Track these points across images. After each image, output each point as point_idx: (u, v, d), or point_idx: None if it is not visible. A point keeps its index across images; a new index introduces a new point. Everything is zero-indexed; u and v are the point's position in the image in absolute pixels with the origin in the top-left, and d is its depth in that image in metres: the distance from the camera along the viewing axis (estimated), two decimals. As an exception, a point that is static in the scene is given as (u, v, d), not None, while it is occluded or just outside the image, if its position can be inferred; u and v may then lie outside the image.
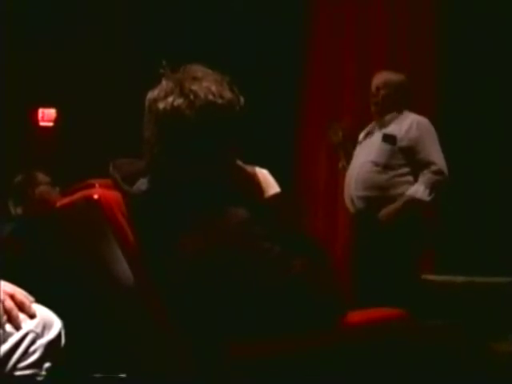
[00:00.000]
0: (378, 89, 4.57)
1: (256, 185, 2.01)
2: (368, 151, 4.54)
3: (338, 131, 4.72)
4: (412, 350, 1.95)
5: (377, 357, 1.91)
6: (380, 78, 4.61)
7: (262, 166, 2.07)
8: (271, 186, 2.02)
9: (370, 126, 4.72)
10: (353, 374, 1.88)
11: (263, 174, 2.04)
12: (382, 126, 4.56)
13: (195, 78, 1.92)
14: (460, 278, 5.49)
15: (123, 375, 1.96)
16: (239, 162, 2.02)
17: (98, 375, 1.98)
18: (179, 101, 1.88)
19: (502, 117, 5.99)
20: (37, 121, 6.93)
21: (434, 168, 4.41)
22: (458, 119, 6.10)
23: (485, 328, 4.37)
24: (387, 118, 4.56)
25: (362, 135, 4.74)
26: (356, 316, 1.98)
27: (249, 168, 2.03)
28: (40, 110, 6.91)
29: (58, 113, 6.92)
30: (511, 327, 4.51)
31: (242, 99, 1.96)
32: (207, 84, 1.91)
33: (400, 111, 4.56)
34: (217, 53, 4.97)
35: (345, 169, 4.73)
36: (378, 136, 4.54)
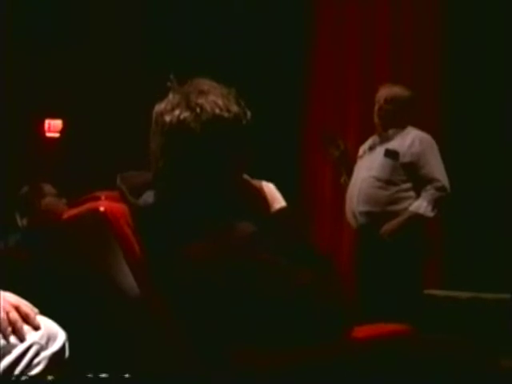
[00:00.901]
0: (386, 102, 4.54)
1: (262, 199, 2.01)
2: (370, 166, 4.53)
3: (338, 146, 4.70)
4: (417, 364, 1.94)
5: (382, 371, 1.90)
6: (389, 91, 4.57)
7: (268, 180, 2.08)
8: (277, 200, 2.02)
9: (371, 139, 4.70)
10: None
11: (269, 188, 2.04)
12: (385, 140, 4.55)
13: (202, 92, 1.92)
14: (466, 294, 5.47)
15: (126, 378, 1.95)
16: (246, 176, 2.02)
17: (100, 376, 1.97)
18: (185, 114, 1.89)
19: (507, 128, 5.97)
20: (43, 132, 6.94)
21: (437, 184, 4.41)
22: (461, 130, 6.08)
23: (491, 343, 4.35)
24: (390, 132, 4.55)
25: (362, 149, 4.72)
26: (361, 330, 1.98)
27: (255, 182, 2.04)
28: (46, 121, 6.93)
29: (65, 124, 6.93)
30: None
31: (248, 113, 1.96)
32: (213, 98, 1.92)
33: (404, 127, 4.56)
34: (220, 65, 4.98)
35: (346, 183, 4.72)
36: (380, 151, 4.53)
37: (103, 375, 1.71)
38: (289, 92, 6.63)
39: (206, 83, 1.96)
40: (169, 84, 1.96)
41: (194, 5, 6.69)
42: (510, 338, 4.60)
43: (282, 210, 2.01)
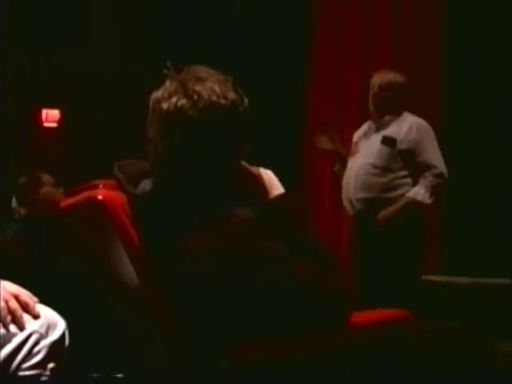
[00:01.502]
0: (380, 89, 4.52)
1: (260, 185, 2.01)
2: (367, 153, 4.52)
3: (328, 139, 4.69)
4: (416, 350, 1.95)
5: (380, 357, 1.91)
6: (383, 78, 4.56)
7: (267, 167, 2.07)
8: (275, 186, 2.02)
9: (366, 124, 4.69)
10: (357, 375, 1.87)
11: (267, 175, 2.04)
12: (381, 127, 4.53)
13: (199, 79, 1.92)
14: (464, 279, 5.49)
15: (125, 375, 1.96)
16: (244, 163, 2.01)
17: (98, 375, 1.98)
18: (183, 101, 1.88)
19: (506, 117, 5.98)
20: (41, 122, 6.94)
21: (435, 171, 4.41)
22: (461, 121, 6.10)
23: (489, 329, 4.36)
24: (386, 119, 4.53)
25: (357, 134, 4.71)
26: (360, 317, 1.98)
27: (253, 169, 2.03)
28: (44, 111, 6.92)
29: (62, 113, 6.93)
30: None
31: (246, 100, 1.96)
32: (211, 84, 1.91)
33: (400, 113, 4.55)
34: (218, 57, 4.96)
35: (340, 172, 4.71)
36: (376, 138, 4.52)
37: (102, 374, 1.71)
38: (289, 82, 6.63)
39: (203, 70, 1.96)
40: (165, 71, 1.95)
41: (194, 5, 6.68)
42: (509, 323, 4.61)
43: (280, 196, 2.00)
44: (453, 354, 1.97)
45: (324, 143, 4.72)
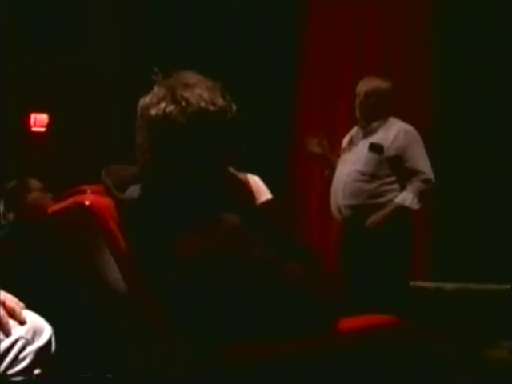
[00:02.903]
0: (366, 96, 4.54)
1: (248, 191, 2.01)
2: (354, 160, 4.54)
3: (318, 144, 4.71)
4: (403, 356, 1.95)
5: (369, 362, 1.91)
6: (369, 84, 4.59)
7: (256, 173, 2.07)
8: (263, 192, 2.02)
9: (353, 131, 4.70)
10: (344, 380, 1.88)
11: (254, 181, 2.04)
12: (368, 133, 4.55)
13: (187, 85, 1.92)
14: (452, 285, 5.50)
15: (116, 375, 1.95)
16: (231, 169, 2.02)
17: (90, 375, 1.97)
18: (171, 107, 1.88)
19: (498, 120, 6.00)
20: (29, 126, 6.92)
21: (422, 177, 4.43)
22: (452, 125, 6.11)
23: (478, 335, 4.37)
24: (374, 125, 4.56)
25: (345, 141, 4.72)
26: (348, 322, 1.98)
27: (240, 175, 2.03)
28: (32, 116, 6.90)
29: (50, 118, 6.91)
30: (504, 334, 4.52)
31: (234, 106, 1.96)
32: (199, 91, 1.91)
33: (386, 118, 4.57)
34: (212, 58, 4.97)
35: (330, 177, 4.72)
36: (364, 144, 4.53)
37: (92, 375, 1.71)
38: (279, 86, 6.64)
39: (191, 76, 1.96)
40: (153, 77, 1.95)
41: (194, 5, 6.68)
42: (497, 328, 4.62)
43: (267, 202, 2.01)
44: (441, 360, 1.98)
45: (313, 147, 4.73)
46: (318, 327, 1.88)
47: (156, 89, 1.93)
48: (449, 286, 5.50)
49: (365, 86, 4.58)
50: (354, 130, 4.69)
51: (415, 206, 4.43)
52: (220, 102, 1.93)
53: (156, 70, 1.96)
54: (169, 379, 1.86)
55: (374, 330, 2.02)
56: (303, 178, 6.70)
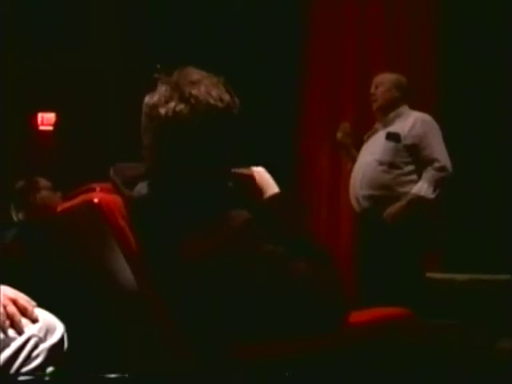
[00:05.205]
0: (376, 87, 4.62)
1: (255, 186, 2.00)
2: (372, 150, 4.56)
3: (348, 133, 4.73)
4: (416, 348, 1.94)
5: (381, 356, 1.90)
6: (377, 77, 4.67)
7: (263, 165, 2.06)
8: (270, 186, 2.01)
9: (374, 126, 4.73)
10: (357, 375, 1.87)
11: (260, 174, 2.03)
12: (386, 124, 4.58)
13: (193, 82, 1.91)
14: (464, 276, 5.49)
15: (123, 375, 1.95)
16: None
17: (98, 375, 1.97)
18: (181, 106, 1.87)
19: (505, 113, 5.99)
20: (36, 125, 6.92)
21: (437, 165, 4.42)
22: (459, 118, 6.10)
23: (489, 326, 4.36)
24: (391, 116, 4.58)
25: (367, 135, 4.75)
26: (360, 316, 1.98)
27: (245, 170, 2.02)
28: (39, 115, 6.91)
29: (58, 117, 6.91)
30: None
31: (237, 100, 1.95)
32: (206, 88, 1.90)
33: (398, 105, 4.58)
34: (212, 58, 4.94)
35: (350, 170, 4.75)
36: (381, 134, 4.56)
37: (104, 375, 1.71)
38: (286, 79, 6.63)
39: (194, 72, 1.94)
40: (156, 75, 1.94)
41: (194, 5, 6.68)
42: (509, 319, 4.61)
43: (275, 196, 2.00)
44: (453, 352, 1.97)
45: (344, 137, 4.74)
46: (327, 325, 1.87)
47: (161, 87, 1.91)
48: (460, 276, 5.49)
49: (376, 79, 4.67)
50: (375, 125, 4.71)
51: (430, 195, 4.40)
52: (226, 97, 1.92)
53: (158, 66, 1.95)
54: (177, 377, 1.86)
55: (385, 323, 2.01)
56: (311, 172, 6.69)
